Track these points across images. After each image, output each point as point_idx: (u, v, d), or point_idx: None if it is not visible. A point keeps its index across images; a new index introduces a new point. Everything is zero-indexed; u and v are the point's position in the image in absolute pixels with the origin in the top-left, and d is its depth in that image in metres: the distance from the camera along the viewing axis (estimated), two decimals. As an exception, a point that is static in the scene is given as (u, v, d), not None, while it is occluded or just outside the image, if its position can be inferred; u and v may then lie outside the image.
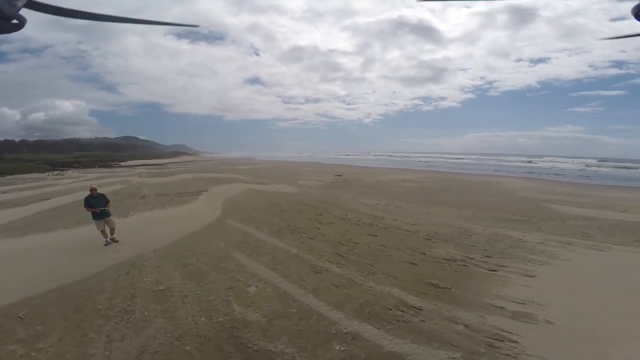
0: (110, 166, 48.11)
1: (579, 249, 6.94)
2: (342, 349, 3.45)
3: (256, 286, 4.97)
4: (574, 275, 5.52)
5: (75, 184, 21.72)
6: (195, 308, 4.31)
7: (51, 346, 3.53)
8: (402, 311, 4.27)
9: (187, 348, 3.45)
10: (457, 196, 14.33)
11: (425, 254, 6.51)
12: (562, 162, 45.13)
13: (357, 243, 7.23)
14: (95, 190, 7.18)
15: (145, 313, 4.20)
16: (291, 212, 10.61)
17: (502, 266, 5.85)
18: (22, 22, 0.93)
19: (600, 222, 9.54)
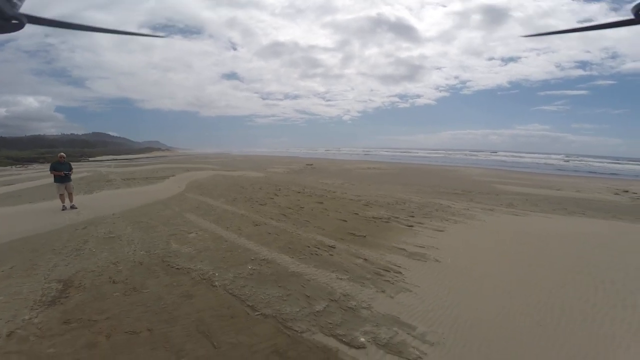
0: (79, 161, 46.87)
1: (497, 214, 7.93)
2: (254, 268, 4.17)
3: (196, 233, 5.63)
4: (480, 231, 6.42)
5: (40, 173, 21.36)
6: (137, 247, 4.92)
7: (2, 271, 4.05)
8: (317, 248, 5.03)
9: (120, 268, 4.08)
10: (411, 178, 15.42)
11: (358, 214, 7.35)
12: (524, 157, 47.77)
13: (303, 207, 7.99)
14: (63, 157, 7.87)
15: (93, 250, 4.78)
16: (251, 189, 11.24)
17: (420, 223, 6.74)
18: (22, 22, 0.93)
19: (531, 196, 10.68)
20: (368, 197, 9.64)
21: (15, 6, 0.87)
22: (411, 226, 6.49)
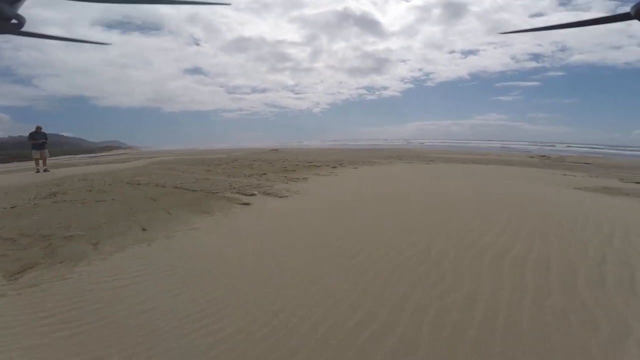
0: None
1: (414, 165, 9.72)
2: (196, 180, 5.67)
3: (156, 174, 7.04)
4: (386, 168, 8.18)
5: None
6: (107, 180, 6.28)
7: (-2, 194, 5.23)
8: (252, 175, 6.59)
9: (94, 187, 5.44)
10: (360, 153, 17.27)
11: (298, 165, 8.93)
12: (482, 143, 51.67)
13: (253, 165, 9.45)
14: (40, 128, 9.22)
15: (71, 184, 6.08)
16: (211, 162, 12.48)
17: (343, 167, 8.43)
18: (21, 22, 0.92)
19: (454, 158, 12.57)
20: (313, 161, 11.25)
21: (14, 6, 0.87)
22: (335, 167, 8.17)
